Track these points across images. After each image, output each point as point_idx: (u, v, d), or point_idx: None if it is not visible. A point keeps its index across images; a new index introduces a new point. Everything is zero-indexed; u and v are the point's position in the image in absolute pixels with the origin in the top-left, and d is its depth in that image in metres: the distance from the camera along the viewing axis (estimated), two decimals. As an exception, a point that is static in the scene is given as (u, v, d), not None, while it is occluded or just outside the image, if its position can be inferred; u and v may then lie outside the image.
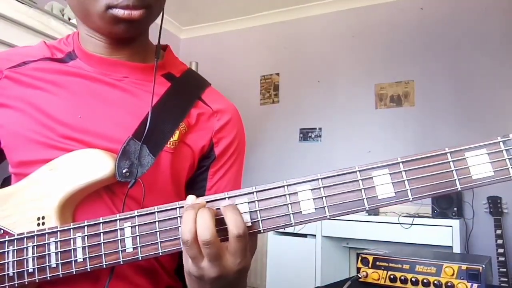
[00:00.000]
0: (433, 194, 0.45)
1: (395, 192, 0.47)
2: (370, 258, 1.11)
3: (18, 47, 0.77)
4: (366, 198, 0.47)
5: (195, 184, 0.73)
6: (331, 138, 3.17)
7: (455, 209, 2.40)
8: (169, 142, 0.66)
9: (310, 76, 3.33)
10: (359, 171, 0.48)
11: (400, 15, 3.06)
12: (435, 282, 1.00)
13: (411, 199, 0.46)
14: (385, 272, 1.08)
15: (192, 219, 0.47)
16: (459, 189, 0.45)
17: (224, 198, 0.51)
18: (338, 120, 3.15)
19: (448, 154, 0.46)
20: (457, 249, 2.17)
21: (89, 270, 0.55)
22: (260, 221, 0.49)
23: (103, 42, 0.68)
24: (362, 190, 0.47)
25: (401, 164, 0.47)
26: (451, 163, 0.46)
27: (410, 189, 0.46)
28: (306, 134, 3.27)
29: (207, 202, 0.51)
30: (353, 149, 3.04)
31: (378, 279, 1.08)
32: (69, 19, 1.89)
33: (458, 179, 0.45)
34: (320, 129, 3.22)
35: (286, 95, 3.42)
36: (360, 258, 1.13)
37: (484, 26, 2.77)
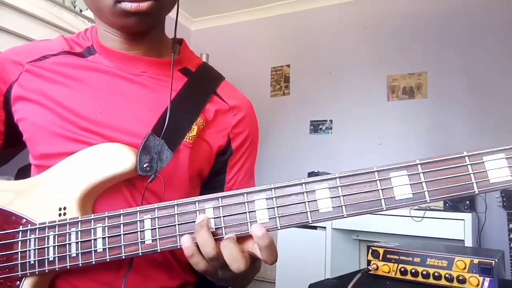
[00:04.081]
0: (450, 196, 0.46)
1: (412, 194, 0.47)
2: (381, 250, 1.12)
3: (36, 40, 0.79)
4: (384, 199, 0.48)
5: (214, 177, 0.75)
6: (342, 130, 3.15)
7: (468, 202, 2.38)
8: (188, 137, 0.67)
9: (321, 67, 3.30)
10: (377, 171, 0.48)
11: (412, 5, 3.01)
12: (446, 275, 1.00)
13: (428, 201, 0.46)
14: (395, 265, 1.08)
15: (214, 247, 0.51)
16: (477, 192, 0.45)
17: (243, 194, 0.52)
18: (349, 112, 3.13)
19: (466, 158, 0.46)
20: (469, 243, 2.16)
21: (108, 260, 0.56)
22: (277, 218, 0.50)
23: (119, 37, 0.69)
24: (380, 191, 0.48)
25: (419, 166, 0.47)
26: (469, 166, 0.46)
27: (428, 191, 0.47)
28: (316, 126, 3.25)
29: (226, 197, 0.52)
30: (364, 142, 3.02)
31: (389, 272, 1.09)
32: (81, 10, 1.90)
33: (476, 182, 0.46)
34: (331, 121, 3.21)
35: (297, 87, 3.40)
36: (370, 250, 1.13)
37: (500, 17, 2.71)
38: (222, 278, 0.54)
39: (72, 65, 0.69)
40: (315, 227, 2.55)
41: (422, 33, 2.96)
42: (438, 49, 2.89)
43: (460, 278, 0.98)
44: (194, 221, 0.53)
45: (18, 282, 0.60)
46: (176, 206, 0.54)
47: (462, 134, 2.70)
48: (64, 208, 0.61)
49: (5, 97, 0.70)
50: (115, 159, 0.61)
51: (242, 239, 0.52)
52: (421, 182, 0.47)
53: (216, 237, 0.52)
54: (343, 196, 0.49)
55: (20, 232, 0.61)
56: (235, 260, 0.49)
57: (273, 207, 0.50)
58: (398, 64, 3.01)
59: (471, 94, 2.74)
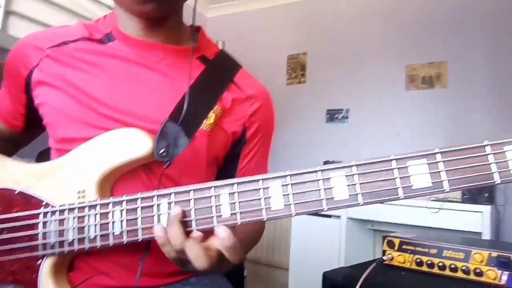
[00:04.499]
0: (470, 186, 0.45)
1: (431, 183, 0.46)
2: (397, 241, 1.11)
3: (56, 26, 0.79)
4: (401, 187, 0.47)
5: (227, 164, 0.76)
6: (359, 120, 3.11)
7: (486, 195, 2.34)
8: (205, 124, 0.68)
9: (338, 55, 3.25)
10: (395, 159, 0.48)
11: (435, -8, 2.93)
12: (463, 268, 0.99)
13: (447, 190, 0.45)
14: (411, 255, 1.07)
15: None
16: (498, 182, 0.44)
17: (258, 180, 0.52)
18: (367, 102, 3.08)
19: (487, 147, 0.45)
20: (486, 236, 2.12)
21: (125, 243, 0.57)
22: (292, 205, 0.50)
23: (138, 24, 0.69)
24: (397, 179, 0.47)
25: (438, 154, 0.46)
26: (489, 156, 0.45)
27: (447, 180, 0.46)
28: (333, 115, 3.22)
29: (242, 183, 0.52)
30: (381, 131, 2.98)
31: (404, 263, 1.08)
32: (97, -3, 1.91)
33: (497, 172, 0.45)
34: (347, 110, 3.17)
35: (313, 75, 3.37)
36: (386, 240, 1.13)
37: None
38: (192, 270, 0.54)
39: (92, 52, 0.70)
40: (329, 216, 2.55)
41: (443, 21, 2.87)
42: (459, 38, 2.81)
43: (477, 271, 0.97)
44: (210, 207, 0.53)
45: (39, 262, 0.62)
46: (192, 191, 0.54)
47: (482, 126, 2.63)
48: (83, 191, 0.62)
49: (26, 81, 0.71)
50: (133, 144, 0.62)
51: (211, 234, 0.53)
52: (440, 171, 0.46)
53: (232, 221, 0.52)
54: (359, 184, 0.48)
55: (42, 214, 0.62)
56: (197, 258, 0.51)
57: (288, 194, 0.50)
58: (417, 52, 2.94)
59: (492, 85, 2.67)
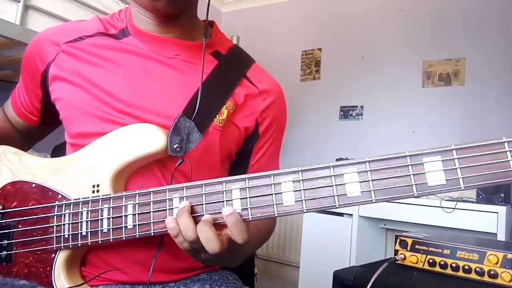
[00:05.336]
0: (487, 183, 0.44)
1: (446, 180, 0.45)
2: (409, 241, 1.09)
3: (72, 21, 0.80)
4: (415, 184, 0.46)
5: (240, 161, 0.76)
6: (373, 117, 3.07)
7: (502, 195, 2.28)
8: (218, 120, 0.68)
9: (353, 51, 3.21)
10: (410, 156, 0.47)
11: (453, -13, 2.87)
12: (477, 269, 0.97)
13: (462, 188, 0.44)
14: (424, 256, 1.06)
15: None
16: (517, 180, 0.43)
17: (270, 176, 0.52)
18: (382, 98, 3.04)
19: (506, 144, 0.44)
20: (501, 237, 2.08)
21: (137, 237, 0.58)
22: (304, 201, 0.50)
23: (152, 19, 0.69)
24: (412, 176, 0.46)
25: (454, 151, 0.46)
26: (508, 153, 0.44)
27: (463, 178, 0.45)
28: (346, 112, 3.19)
29: (253, 178, 0.52)
30: (396, 129, 2.94)
31: (416, 263, 1.07)
32: (113, -9, 1.92)
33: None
34: (361, 107, 3.13)
35: (328, 71, 3.34)
36: (398, 240, 1.11)
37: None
38: (204, 259, 0.55)
39: (107, 47, 0.70)
40: (341, 214, 2.53)
41: (462, 17, 2.81)
42: (478, 34, 2.74)
43: (492, 272, 0.95)
44: (221, 201, 0.53)
45: (53, 255, 0.63)
46: (204, 186, 0.55)
47: (501, 125, 2.57)
48: (98, 185, 0.63)
49: (42, 76, 0.72)
50: (147, 139, 0.63)
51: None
52: (456, 168, 0.45)
53: (243, 217, 0.52)
54: (372, 180, 0.48)
55: (56, 207, 0.63)
56: (209, 242, 0.51)
57: (300, 190, 0.50)
58: (435, 49, 2.88)
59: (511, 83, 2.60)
